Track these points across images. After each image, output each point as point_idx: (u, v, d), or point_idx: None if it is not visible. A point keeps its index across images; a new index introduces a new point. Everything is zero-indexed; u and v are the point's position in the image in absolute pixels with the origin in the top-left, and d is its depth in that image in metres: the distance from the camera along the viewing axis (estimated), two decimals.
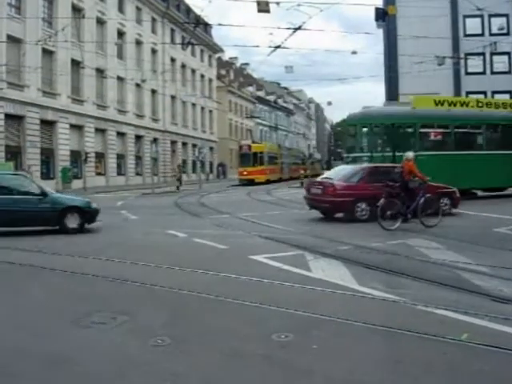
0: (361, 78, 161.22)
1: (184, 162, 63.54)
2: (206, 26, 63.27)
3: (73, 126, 42.14)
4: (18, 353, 4.81)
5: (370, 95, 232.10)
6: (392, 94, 50.61)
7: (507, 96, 46.26)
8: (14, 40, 35.21)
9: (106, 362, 4.57)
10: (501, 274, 7.55)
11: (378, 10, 19.76)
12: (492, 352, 4.58)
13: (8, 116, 35.12)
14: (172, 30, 60.22)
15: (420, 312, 5.82)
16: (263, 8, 17.56)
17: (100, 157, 46.36)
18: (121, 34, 49.45)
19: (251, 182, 47.21)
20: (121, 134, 49.97)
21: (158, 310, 6.09)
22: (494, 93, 47.04)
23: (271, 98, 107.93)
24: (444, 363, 4.44)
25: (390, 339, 5.02)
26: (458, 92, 47.57)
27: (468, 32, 47.07)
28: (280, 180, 55.53)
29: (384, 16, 20.30)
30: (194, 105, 66.67)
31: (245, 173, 49.82)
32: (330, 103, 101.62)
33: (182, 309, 6.10)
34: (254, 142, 55.69)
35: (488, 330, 5.16)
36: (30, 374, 4.37)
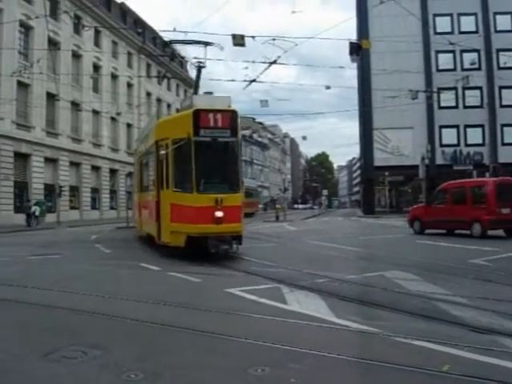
0: (339, 112, 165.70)
1: None
2: (182, 61, 63.62)
3: (47, 160, 41.91)
4: None
5: (346, 130, 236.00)
6: (366, 128, 51.27)
7: (480, 130, 47.19)
8: None
9: None
10: (477, 305, 7.51)
11: (352, 44, 19.96)
12: (473, 382, 4.47)
13: None
14: (148, 65, 60.59)
15: (397, 343, 5.70)
16: (238, 42, 17.66)
17: (74, 190, 46.10)
18: (96, 67, 49.61)
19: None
20: (95, 168, 49.78)
21: (129, 344, 5.88)
22: (466, 126, 47.94)
23: (246, 132, 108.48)
24: None
25: (368, 371, 4.91)
26: (431, 126, 48.39)
27: (440, 67, 48.19)
28: None
29: (358, 50, 20.50)
30: None
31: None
32: (304, 138, 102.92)
33: (155, 343, 5.92)
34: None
35: (467, 361, 5.04)
36: None
